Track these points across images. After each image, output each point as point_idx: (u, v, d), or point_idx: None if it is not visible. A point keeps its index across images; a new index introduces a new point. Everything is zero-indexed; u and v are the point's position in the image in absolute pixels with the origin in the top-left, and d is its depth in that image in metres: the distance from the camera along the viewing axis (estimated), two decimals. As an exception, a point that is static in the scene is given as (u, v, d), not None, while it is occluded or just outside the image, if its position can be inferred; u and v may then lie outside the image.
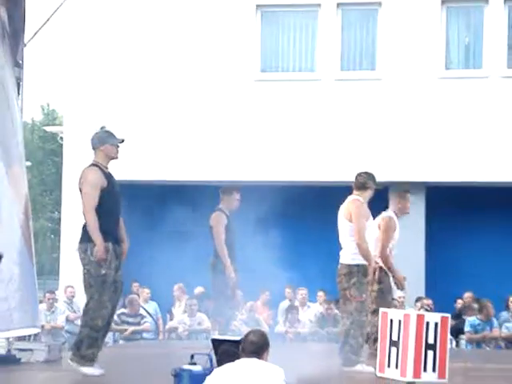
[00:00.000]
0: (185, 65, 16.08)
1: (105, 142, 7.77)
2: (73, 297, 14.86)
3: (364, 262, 8.30)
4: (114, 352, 11.43)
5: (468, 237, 15.49)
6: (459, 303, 14.32)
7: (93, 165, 7.66)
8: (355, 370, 8.07)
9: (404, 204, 9.58)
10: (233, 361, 5.64)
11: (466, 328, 13.08)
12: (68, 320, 14.41)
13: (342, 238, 8.45)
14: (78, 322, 14.55)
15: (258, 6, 16.29)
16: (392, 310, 7.19)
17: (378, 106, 15.76)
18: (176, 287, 14.65)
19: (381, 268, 9.18)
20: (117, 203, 7.67)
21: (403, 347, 6.56)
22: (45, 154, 39.99)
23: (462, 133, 15.44)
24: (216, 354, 6.60)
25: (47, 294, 14.38)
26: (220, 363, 6.12)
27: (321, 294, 14.28)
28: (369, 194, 8.51)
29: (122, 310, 14.02)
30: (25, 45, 10.02)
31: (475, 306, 13.52)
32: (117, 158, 7.79)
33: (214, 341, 6.77)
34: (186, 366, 6.56)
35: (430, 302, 13.81)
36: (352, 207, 8.36)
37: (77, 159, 16.50)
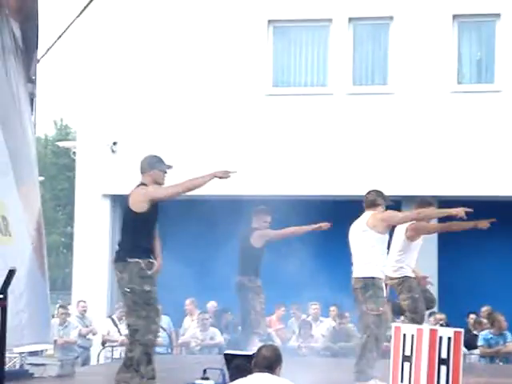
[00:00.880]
0: (197, 80, 16.13)
1: (154, 167, 7.78)
2: (85, 311, 14.86)
3: (379, 275, 8.29)
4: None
5: (481, 251, 15.42)
6: (472, 318, 14.25)
7: (142, 184, 7.67)
8: None
9: None
10: (245, 376, 5.63)
11: (480, 342, 13.01)
12: (80, 335, 14.41)
13: (357, 250, 8.43)
14: (90, 336, 14.64)
15: (269, 21, 16.34)
16: (405, 325, 7.16)
17: (389, 121, 15.76)
18: (188, 302, 14.64)
19: (409, 276, 9.17)
20: (155, 223, 7.69)
21: (416, 362, 6.53)
22: (58, 168, 40.13)
23: (474, 147, 15.41)
24: (228, 368, 6.59)
25: (60, 309, 14.39)
26: (232, 378, 6.12)
27: (333, 308, 14.25)
28: (379, 211, 8.53)
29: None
30: (38, 61, 10.09)
31: (484, 320, 13.46)
32: (163, 183, 7.76)
33: (227, 355, 6.78)
34: (199, 381, 6.57)
35: (442, 316, 13.76)
36: (375, 216, 8.39)
37: (89, 174, 16.60)
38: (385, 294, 8.48)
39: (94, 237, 16.31)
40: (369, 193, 8.72)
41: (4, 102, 8.61)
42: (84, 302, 14.94)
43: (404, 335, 6.73)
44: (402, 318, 9.23)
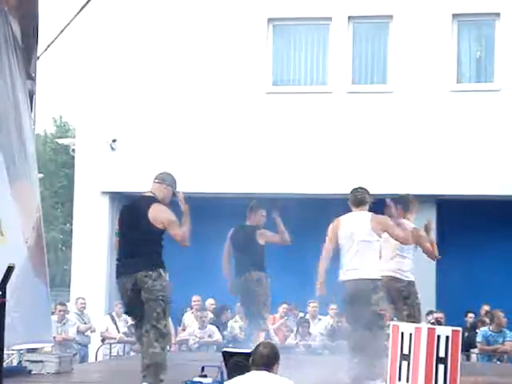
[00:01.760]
0: (197, 78, 16.12)
1: (172, 185, 8.05)
2: (84, 308, 14.87)
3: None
4: (124, 364, 11.44)
5: (479, 250, 15.43)
6: (470, 317, 14.26)
7: (152, 193, 7.81)
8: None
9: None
10: (243, 373, 5.63)
11: (478, 339, 12.99)
12: (79, 332, 14.42)
13: (363, 252, 8.35)
14: (89, 333, 14.65)
15: (269, 19, 16.34)
16: (403, 324, 7.16)
17: (389, 119, 15.76)
18: (196, 298, 14.61)
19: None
20: None
21: (414, 361, 6.52)
22: (57, 166, 40.09)
23: (474, 146, 15.41)
24: (226, 366, 6.60)
25: (58, 306, 14.40)
26: (230, 376, 6.12)
27: (333, 307, 14.23)
28: (367, 208, 8.52)
29: (132, 322, 14.01)
30: (38, 58, 10.07)
31: (486, 319, 13.47)
32: (167, 203, 7.93)
33: (225, 353, 6.78)
34: (197, 378, 6.57)
35: (440, 315, 13.76)
36: (379, 221, 8.36)
37: (88, 171, 16.60)
38: None
39: (93, 234, 16.31)
40: (357, 190, 8.63)
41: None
42: (83, 299, 14.95)
43: (402, 334, 6.73)
44: None
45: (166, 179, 8.00)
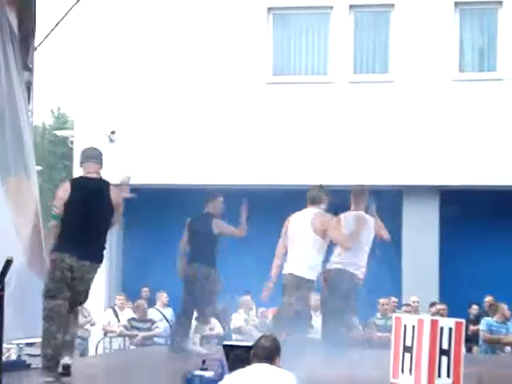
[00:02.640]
0: (196, 68, 16.03)
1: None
2: (84, 302, 14.77)
3: None
4: (124, 357, 11.37)
5: (483, 241, 15.34)
6: (474, 309, 14.18)
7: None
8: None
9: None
10: (244, 366, 5.58)
11: (482, 327, 12.93)
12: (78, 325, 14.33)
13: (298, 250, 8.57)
14: (88, 326, 14.57)
15: (269, 8, 16.23)
16: (406, 315, 7.10)
17: (391, 109, 15.66)
18: None
19: None
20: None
21: (417, 353, 6.47)
22: (56, 158, 40.00)
23: (477, 135, 15.32)
24: (227, 359, 6.53)
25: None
26: (232, 369, 6.06)
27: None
28: (322, 208, 8.74)
29: (132, 316, 13.96)
30: (35, 49, 9.98)
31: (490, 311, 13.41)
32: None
33: (226, 346, 6.71)
34: (198, 372, 6.51)
35: (443, 306, 13.69)
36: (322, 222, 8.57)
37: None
38: None
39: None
40: (314, 188, 8.85)
41: None
42: (83, 292, 14.84)
43: (405, 326, 6.67)
44: None
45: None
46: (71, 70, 19.84)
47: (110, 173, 17.47)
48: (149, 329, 13.69)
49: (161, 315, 14.18)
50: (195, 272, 9.87)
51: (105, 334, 14.20)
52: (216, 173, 15.69)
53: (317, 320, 13.91)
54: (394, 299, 13.82)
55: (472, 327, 13.33)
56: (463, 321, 6.67)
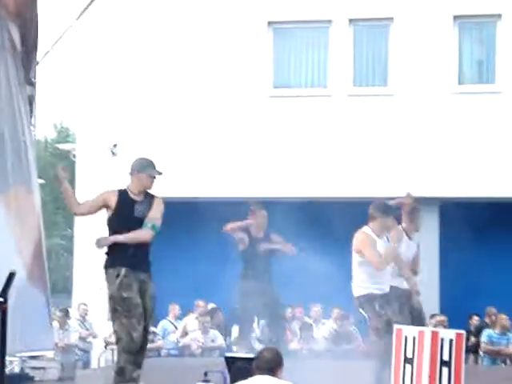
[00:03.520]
0: (198, 82, 16.10)
1: (143, 170, 8.02)
2: (86, 314, 14.82)
3: None
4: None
5: (483, 253, 15.37)
6: (475, 320, 14.20)
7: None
8: None
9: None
10: (246, 378, 5.60)
11: (483, 338, 12.95)
12: (81, 338, 14.37)
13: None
14: (90, 339, 14.60)
15: (269, 22, 16.32)
16: (406, 327, 7.12)
17: (390, 122, 15.72)
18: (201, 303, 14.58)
19: None
20: None
21: (418, 364, 6.48)
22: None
23: (476, 148, 15.37)
24: (229, 371, 6.56)
25: (60, 313, 14.34)
26: (233, 381, 6.09)
27: (336, 310, 14.16)
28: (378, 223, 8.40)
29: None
30: (38, 63, 10.02)
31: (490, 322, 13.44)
32: (150, 188, 8.00)
33: (228, 358, 6.74)
34: (200, 384, 6.54)
35: (444, 318, 13.70)
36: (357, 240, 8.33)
37: (89, 176, 16.56)
38: None
39: (95, 240, 16.23)
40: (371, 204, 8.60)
41: None
42: (85, 304, 14.90)
43: (405, 337, 6.69)
44: None
45: (132, 169, 8.14)
46: (73, 84, 19.92)
47: (112, 186, 17.54)
48: (152, 341, 13.71)
49: (173, 327, 14.25)
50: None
51: (105, 347, 14.22)
52: (216, 185, 15.74)
53: (318, 332, 14.02)
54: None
55: (473, 339, 13.35)
56: (464, 332, 6.68)
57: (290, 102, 16.06)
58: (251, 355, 6.15)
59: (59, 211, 40.63)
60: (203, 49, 16.12)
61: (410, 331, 6.73)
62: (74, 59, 18.29)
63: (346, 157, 15.65)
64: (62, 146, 29.76)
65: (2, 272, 6.21)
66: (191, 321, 14.41)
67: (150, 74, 16.23)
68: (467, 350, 11.74)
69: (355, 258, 8.29)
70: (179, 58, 16.16)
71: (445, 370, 6.44)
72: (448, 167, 15.42)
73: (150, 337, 13.66)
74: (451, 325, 12.83)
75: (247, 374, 5.73)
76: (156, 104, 16.23)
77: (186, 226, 14.58)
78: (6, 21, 8.90)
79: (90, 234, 16.87)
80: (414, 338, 6.58)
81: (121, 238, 7.53)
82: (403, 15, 15.89)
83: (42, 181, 24.11)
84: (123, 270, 7.61)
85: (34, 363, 8.91)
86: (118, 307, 7.43)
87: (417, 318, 8.63)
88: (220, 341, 13.62)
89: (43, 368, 8.81)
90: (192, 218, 14.51)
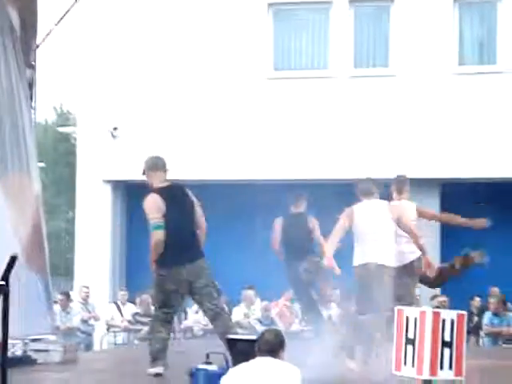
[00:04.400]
0: (197, 64, 16.06)
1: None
2: (87, 297, 14.85)
3: None
4: (129, 352, 11.43)
5: (484, 234, 15.35)
6: (476, 301, 14.22)
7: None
8: None
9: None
10: (248, 360, 5.61)
11: (484, 321, 13.00)
12: (83, 320, 14.41)
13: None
14: (92, 321, 14.64)
15: (269, 4, 16.26)
16: (408, 308, 7.14)
17: (391, 103, 15.69)
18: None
19: None
20: None
21: (419, 345, 6.50)
22: (58, 154, 40.03)
23: (477, 128, 15.35)
24: (231, 353, 6.57)
25: (62, 296, 14.36)
26: (236, 363, 6.10)
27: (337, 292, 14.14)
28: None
29: (136, 310, 14.02)
30: (37, 46, 10.00)
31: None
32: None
33: (230, 340, 6.75)
34: (202, 366, 6.54)
35: (444, 298, 13.75)
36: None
37: (90, 159, 16.57)
38: None
39: (96, 222, 16.29)
40: (364, 181, 8.76)
41: None
42: (87, 287, 14.93)
43: (407, 318, 6.70)
44: None
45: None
46: (74, 67, 19.89)
47: (113, 169, 17.62)
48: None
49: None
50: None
51: (108, 329, 14.26)
52: (216, 168, 15.74)
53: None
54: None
55: (475, 319, 13.40)
56: (465, 313, 6.70)
57: (290, 84, 16.02)
58: (253, 337, 6.15)
59: (61, 194, 40.68)
60: (203, 31, 16.06)
61: (412, 312, 6.74)
62: (75, 42, 18.25)
63: (347, 138, 15.63)
64: (62, 129, 29.77)
65: (1, 256, 6.20)
66: (193, 303, 14.44)
67: (150, 56, 16.19)
68: (468, 332, 11.81)
69: (392, 228, 8.47)
70: (180, 41, 16.11)
71: (446, 350, 6.46)
72: (449, 148, 15.41)
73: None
74: (453, 306, 12.87)
75: (249, 355, 5.73)
76: (156, 87, 16.19)
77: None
78: (5, 5, 8.88)
79: (92, 217, 17.03)
80: (415, 319, 6.60)
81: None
82: (404, -4, 15.83)
83: (42, 164, 24.15)
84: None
85: (37, 346, 8.92)
86: None
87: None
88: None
89: (46, 350, 8.81)
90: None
